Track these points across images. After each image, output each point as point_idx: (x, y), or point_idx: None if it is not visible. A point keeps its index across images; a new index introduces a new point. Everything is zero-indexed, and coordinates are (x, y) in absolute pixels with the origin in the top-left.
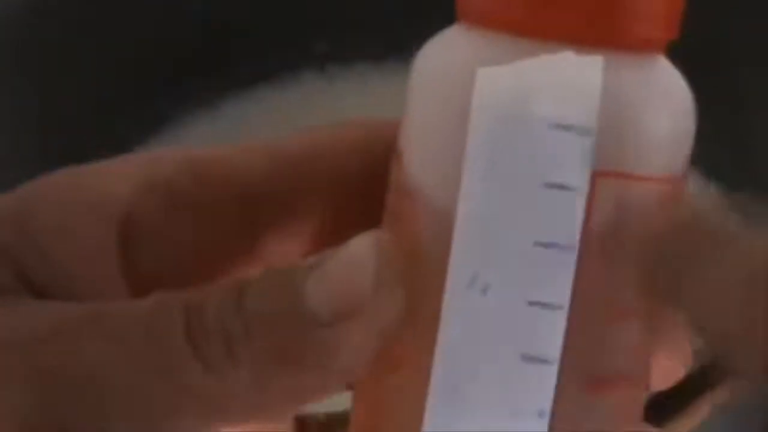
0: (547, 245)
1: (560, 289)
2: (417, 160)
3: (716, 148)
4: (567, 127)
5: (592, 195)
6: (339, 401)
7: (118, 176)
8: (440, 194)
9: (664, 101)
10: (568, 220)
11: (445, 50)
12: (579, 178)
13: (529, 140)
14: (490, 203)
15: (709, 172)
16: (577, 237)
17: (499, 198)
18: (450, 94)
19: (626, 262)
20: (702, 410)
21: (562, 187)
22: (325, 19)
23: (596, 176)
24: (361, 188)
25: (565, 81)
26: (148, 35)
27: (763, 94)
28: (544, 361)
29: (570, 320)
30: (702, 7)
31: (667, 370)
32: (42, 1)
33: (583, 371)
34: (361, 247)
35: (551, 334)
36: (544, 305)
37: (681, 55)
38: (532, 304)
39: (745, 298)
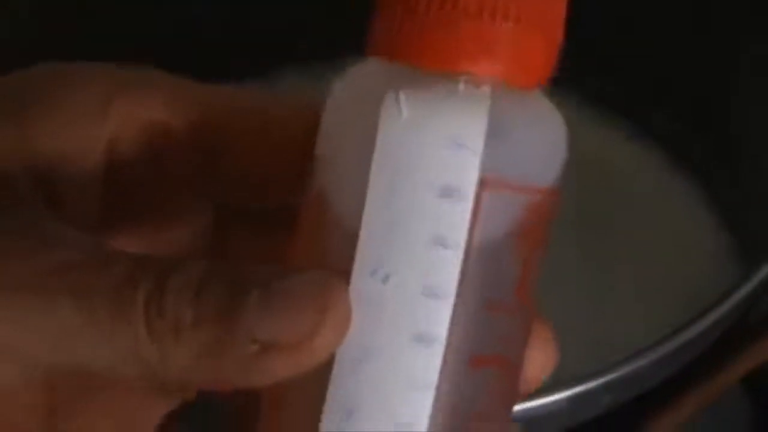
0: (439, 244)
1: (448, 280)
2: (329, 171)
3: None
4: (458, 146)
5: (478, 202)
6: None
7: (107, 108)
8: (348, 201)
9: (538, 126)
10: (457, 223)
11: (360, 78)
12: (467, 189)
13: (426, 155)
14: (392, 207)
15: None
16: (464, 238)
17: (400, 203)
18: (361, 115)
19: (502, 263)
20: (686, 408)
21: (453, 195)
22: (309, 17)
23: (482, 186)
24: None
25: (458, 107)
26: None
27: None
28: (433, 340)
29: (455, 307)
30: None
31: (536, 367)
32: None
33: (465, 349)
34: (309, 286)
35: (439, 318)
36: (434, 294)
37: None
38: (425, 293)
39: None
